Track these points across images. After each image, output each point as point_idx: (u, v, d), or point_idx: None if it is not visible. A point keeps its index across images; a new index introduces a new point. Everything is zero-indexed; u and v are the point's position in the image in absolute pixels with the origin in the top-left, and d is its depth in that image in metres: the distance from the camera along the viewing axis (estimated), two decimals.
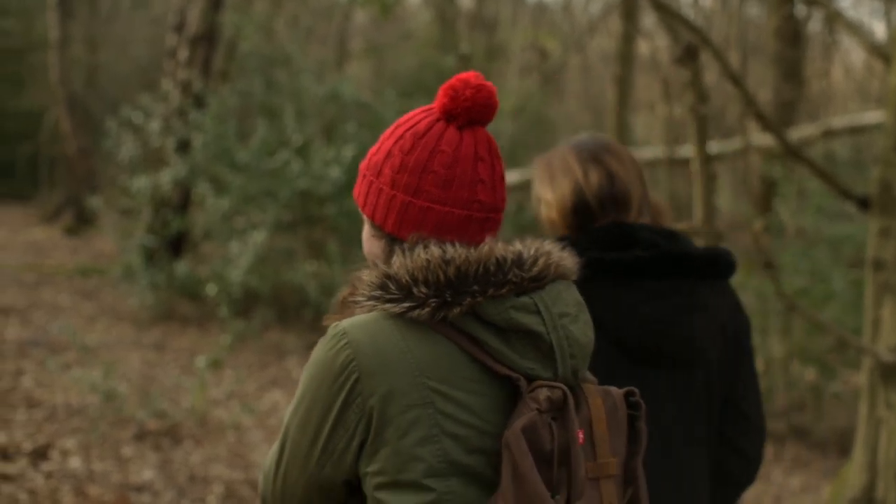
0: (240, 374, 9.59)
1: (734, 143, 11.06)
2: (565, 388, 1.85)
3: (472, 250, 1.88)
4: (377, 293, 1.88)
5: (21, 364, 9.23)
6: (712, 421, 2.71)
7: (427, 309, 1.83)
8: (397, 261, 1.89)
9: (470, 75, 2.01)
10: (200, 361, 8.41)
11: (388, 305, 1.86)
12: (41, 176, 22.50)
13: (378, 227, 2.02)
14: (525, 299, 1.89)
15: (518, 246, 1.94)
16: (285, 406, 8.74)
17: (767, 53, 12.78)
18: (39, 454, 6.97)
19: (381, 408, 1.83)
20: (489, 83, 1.99)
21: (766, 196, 11.21)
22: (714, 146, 9.61)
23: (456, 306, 1.84)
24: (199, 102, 12.41)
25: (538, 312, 1.90)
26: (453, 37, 21.46)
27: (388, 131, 2.06)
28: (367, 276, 1.92)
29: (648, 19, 15.68)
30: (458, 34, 21.90)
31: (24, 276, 13.90)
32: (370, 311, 1.90)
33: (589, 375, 2.04)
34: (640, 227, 2.67)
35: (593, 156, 2.73)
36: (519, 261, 1.90)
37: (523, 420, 1.78)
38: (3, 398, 8.18)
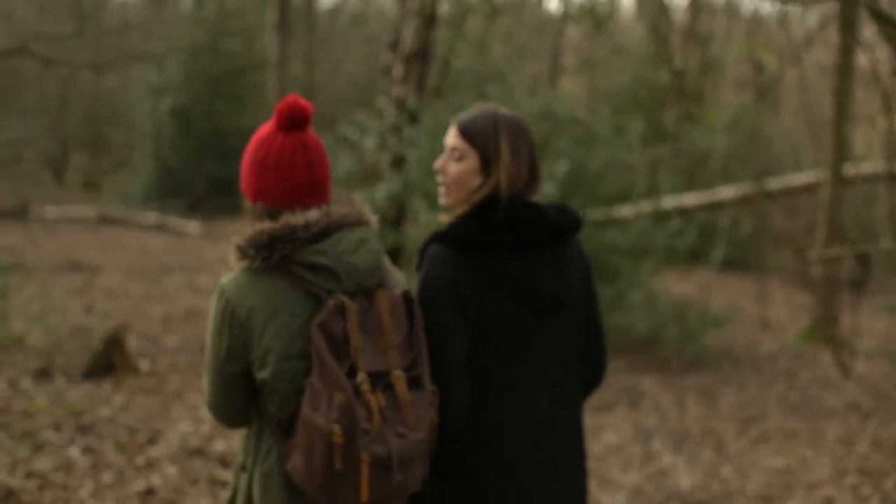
0: None
1: None
2: (343, 297, 2.94)
3: (277, 224, 3.00)
4: (235, 256, 3.04)
5: None
6: (581, 339, 3.46)
7: (257, 261, 2.99)
8: (239, 236, 3.03)
9: (291, 97, 3.13)
10: None
11: (240, 263, 3.04)
12: None
13: (249, 202, 3.18)
14: (317, 246, 2.99)
15: (312, 214, 3.02)
16: None
17: None
18: None
19: (247, 322, 2.98)
20: (303, 101, 3.12)
21: None
22: None
23: (271, 258, 2.98)
24: (414, 119, 12.53)
25: (325, 253, 2.99)
26: (667, 51, 21.21)
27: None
28: (230, 248, 3.05)
29: (868, 30, 15.25)
30: (672, 49, 21.65)
31: None
32: (237, 268, 3.06)
33: (389, 282, 3.13)
34: (510, 206, 3.27)
35: (522, 155, 3.34)
36: (306, 226, 3.00)
37: (318, 318, 2.90)
38: None
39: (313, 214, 3.02)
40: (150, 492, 6.38)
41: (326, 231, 3.02)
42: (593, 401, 9.59)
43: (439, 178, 3.40)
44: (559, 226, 3.31)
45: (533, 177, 3.36)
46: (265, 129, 3.17)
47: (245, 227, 3.07)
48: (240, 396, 3.12)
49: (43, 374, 9.09)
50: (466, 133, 3.33)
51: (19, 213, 22.59)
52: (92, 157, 32.56)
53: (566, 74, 24.12)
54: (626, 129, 12.78)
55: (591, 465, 7.72)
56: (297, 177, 3.10)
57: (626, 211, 12.64)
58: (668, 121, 20.40)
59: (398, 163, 12.26)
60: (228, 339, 3.03)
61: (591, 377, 3.53)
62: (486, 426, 3.21)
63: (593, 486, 7.22)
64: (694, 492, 7.28)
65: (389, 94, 13.14)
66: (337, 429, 2.78)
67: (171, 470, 6.82)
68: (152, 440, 7.44)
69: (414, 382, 2.98)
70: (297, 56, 24.80)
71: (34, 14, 32.45)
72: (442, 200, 3.42)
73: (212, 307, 3.09)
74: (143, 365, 9.40)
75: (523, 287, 3.24)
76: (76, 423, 7.72)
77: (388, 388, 2.92)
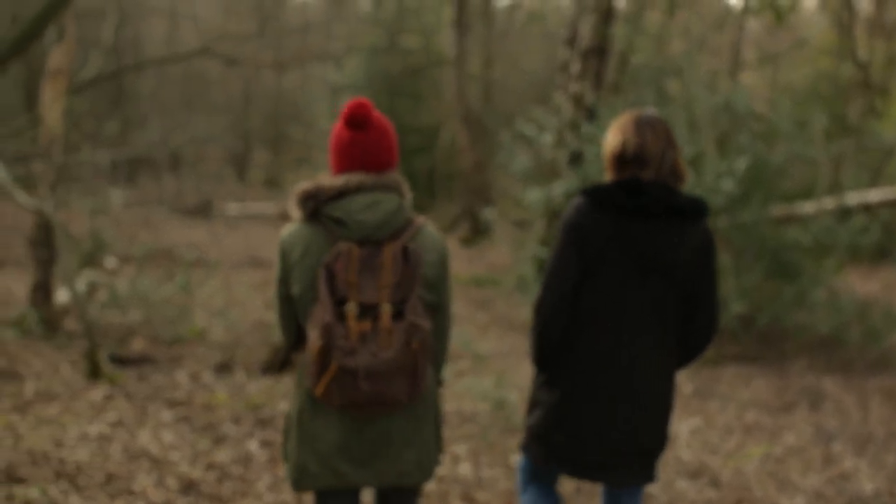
0: None
1: None
2: (350, 244, 3.65)
3: (310, 184, 3.78)
4: (289, 211, 3.84)
5: None
6: (680, 307, 4.19)
7: (299, 214, 3.80)
8: (292, 196, 3.83)
9: (355, 101, 3.84)
10: None
11: (293, 214, 3.84)
12: (438, 188, 23.21)
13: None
14: (336, 203, 3.72)
15: (336, 179, 3.76)
16: (674, 420, 8.64)
17: None
18: None
19: (289, 257, 3.80)
20: (363, 107, 3.83)
21: None
22: None
23: (307, 210, 3.76)
24: (591, 115, 12.47)
25: (341, 209, 3.70)
26: (851, 43, 20.73)
27: None
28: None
29: None
30: (856, 40, 21.15)
31: None
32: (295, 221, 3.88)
33: (403, 237, 3.74)
34: (649, 183, 4.07)
35: (640, 127, 4.16)
36: (329, 187, 3.74)
37: (325, 259, 3.65)
38: None
39: (337, 179, 3.78)
40: None
41: (345, 192, 3.75)
42: (773, 401, 9.42)
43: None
44: (679, 207, 4.05)
45: (643, 155, 4.14)
46: (338, 124, 3.94)
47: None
48: (291, 318, 3.95)
49: (224, 368, 9.31)
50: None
51: (203, 210, 23.17)
52: (273, 154, 33.22)
53: (747, 69, 23.72)
54: (808, 123, 12.52)
55: (770, 466, 7.59)
56: (354, 166, 3.85)
57: (808, 207, 12.38)
58: (852, 115, 19.94)
59: (575, 159, 12.22)
60: (280, 270, 3.86)
61: (695, 345, 4.29)
62: (584, 352, 4.15)
63: (771, 489, 7.09)
64: (877, 497, 7.10)
65: (567, 91, 13.10)
66: (319, 342, 3.61)
67: None
68: None
69: (398, 315, 3.68)
70: (475, 53, 24.88)
71: (219, 15, 33.24)
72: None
73: (278, 249, 3.93)
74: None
75: (637, 248, 4.04)
76: (255, 416, 7.87)
77: (377, 317, 3.65)
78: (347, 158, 3.85)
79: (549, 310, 4.14)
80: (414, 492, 4.06)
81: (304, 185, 3.81)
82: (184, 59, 24.89)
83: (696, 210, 4.09)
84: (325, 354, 3.63)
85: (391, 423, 3.82)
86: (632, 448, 4.21)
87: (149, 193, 26.23)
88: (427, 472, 3.93)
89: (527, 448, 4.42)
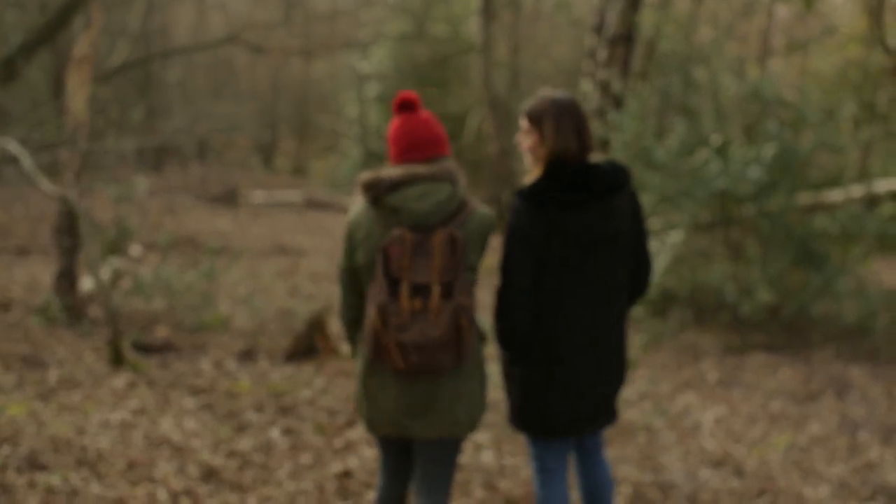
0: (654, 374, 9.52)
1: None
2: (403, 231, 4.08)
3: (371, 175, 4.20)
4: (359, 193, 4.27)
5: None
6: (628, 266, 4.58)
7: (364, 199, 4.23)
8: (358, 181, 4.26)
9: (403, 93, 4.36)
10: None
11: (358, 198, 4.29)
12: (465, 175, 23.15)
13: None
14: (395, 193, 4.16)
15: (394, 170, 4.20)
16: (699, 408, 8.60)
17: None
18: None
19: (353, 236, 4.28)
20: (409, 94, 4.35)
21: None
22: None
23: (368, 197, 4.19)
24: (618, 102, 12.41)
25: (396, 198, 4.13)
26: (880, 30, 20.55)
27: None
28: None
29: None
30: (885, 27, 20.96)
31: None
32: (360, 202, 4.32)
33: (455, 223, 4.17)
34: (574, 168, 4.38)
35: (580, 134, 4.42)
36: (387, 178, 4.16)
37: (383, 242, 4.10)
38: None
39: (395, 171, 4.22)
40: (346, 474, 6.46)
41: (401, 183, 4.18)
42: (798, 390, 9.36)
43: (521, 150, 4.62)
44: (609, 185, 4.40)
45: (582, 145, 4.42)
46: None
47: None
48: (351, 291, 4.43)
49: (247, 356, 9.32)
50: (528, 116, 4.50)
51: (229, 198, 23.22)
52: (300, 142, 33.26)
53: (775, 56, 23.59)
54: (836, 111, 12.42)
55: (795, 456, 7.54)
56: (407, 154, 4.31)
57: (835, 195, 12.29)
58: (881, 102, 19.79)
59: (602, 146, 12.16)
60: (345, 245, 4.34)
61: (637, 290, 4.71)
62: (552, 329, 4.42)
63: (796, 479, 7.04)
64: None
65: (594, 78, 13.05)
66: (376, 318, 4.07)
67: (369, 453, 6.90)
68: (350, 423, 7.54)
69: (447, 295, 4.09)
70: (502, 41, 24.81)
71: (246, 3, 33.26)
72: (526, 165, 4.59)
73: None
74: (344, 348, 9.53)
75: (578, 232, 4.35)
76: (277, 404, 7.88)
77: (428, 296, 4.07)
78: (399, 146, 4.30)
79: (511, 305, 4.42)
80: (457, 442, 4.47)
81: (365, 175, 4.23)
82: (211, 47, 24.94)
83: (622, 181, 4.46)
84: (381, 329, 4.08)
85: (439, 381, 4.25)
86: (609, 395, 4.65)
87: (174, 181, 26.31)
88: (475, 424, 4.40)
89: (517, 422, 4.69)
